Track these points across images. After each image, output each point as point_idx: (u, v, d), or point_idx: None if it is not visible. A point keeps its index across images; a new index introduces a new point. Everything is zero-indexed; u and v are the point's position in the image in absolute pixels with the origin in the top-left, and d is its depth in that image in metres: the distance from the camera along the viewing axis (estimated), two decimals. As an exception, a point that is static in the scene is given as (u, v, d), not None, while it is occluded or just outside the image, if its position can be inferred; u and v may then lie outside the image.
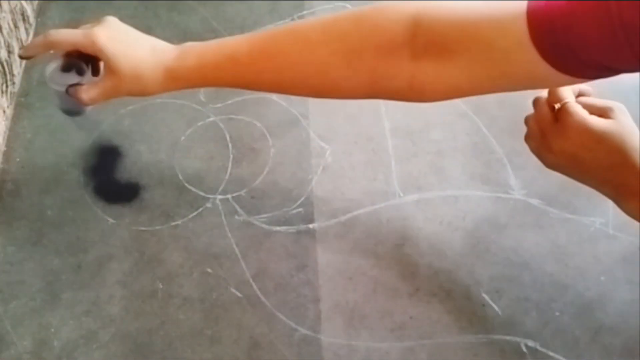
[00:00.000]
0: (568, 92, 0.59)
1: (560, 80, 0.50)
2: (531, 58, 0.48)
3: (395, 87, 0.57)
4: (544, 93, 0.61)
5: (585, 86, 0.59)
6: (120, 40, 0.62)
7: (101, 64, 0.64)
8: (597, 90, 0.85)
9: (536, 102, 0.61)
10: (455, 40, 0.52)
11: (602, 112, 0.59)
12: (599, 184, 0.61)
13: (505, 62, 0.51)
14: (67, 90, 0.64)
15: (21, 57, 0.66)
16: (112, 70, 0.62)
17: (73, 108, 0.68)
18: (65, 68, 0.64)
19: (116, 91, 0.63)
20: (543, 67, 0.49)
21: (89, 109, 0.67)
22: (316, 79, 0.60)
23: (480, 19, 0.51)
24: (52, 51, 0.63)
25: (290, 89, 0.64)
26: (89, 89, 0.63)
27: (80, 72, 0.64)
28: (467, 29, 0.52)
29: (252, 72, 0.61)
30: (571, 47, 0.46)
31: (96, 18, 0.63)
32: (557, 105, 0.59)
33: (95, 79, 0.64)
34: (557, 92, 0.59)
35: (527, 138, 0.64)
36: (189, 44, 0.64)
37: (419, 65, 0.55)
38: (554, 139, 0.60)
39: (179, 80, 0.63)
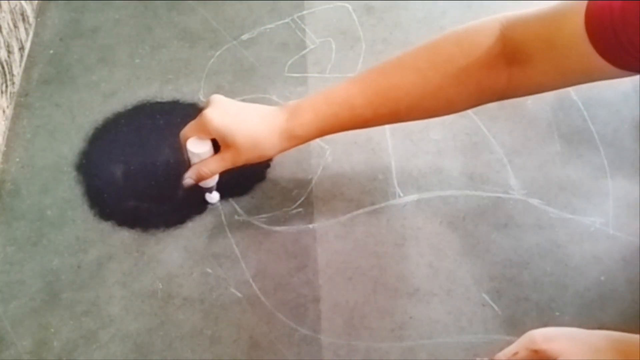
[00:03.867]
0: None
1: (615, 74, 0.54)
2: (586, 52, 0.54)
3: (498, 91, 0.64)
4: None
5: None
6: (231, 115, 0.66)
7: None
8: (596, 91, 0.86)
9: None
10: (529, 44, 0.59)
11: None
12: None
13: (565, 58, 0.56)
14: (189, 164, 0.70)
15: (187, 181, 0.70)
16: (228, 144, 0.66)
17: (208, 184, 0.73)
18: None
19: (235, 162, 0.68)
20: (599, 62, 0.53)
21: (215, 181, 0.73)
22: (431, 102, 0.65)
23: (545, 21, 0.58)
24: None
25: (406, 117, 0.68)
26: (208, 162, 0.68)
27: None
28: (536, 32, 0.59)
29: (370, 111, 0.66)
30: (624, 44, 0.50)
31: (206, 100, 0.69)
32: None
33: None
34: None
35: None
36: (292, 103, 0.68)
37: (511, 70, 0.61)
38: None
39: (296, 139, 0.68)
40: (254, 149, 0.67)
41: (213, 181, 0.73)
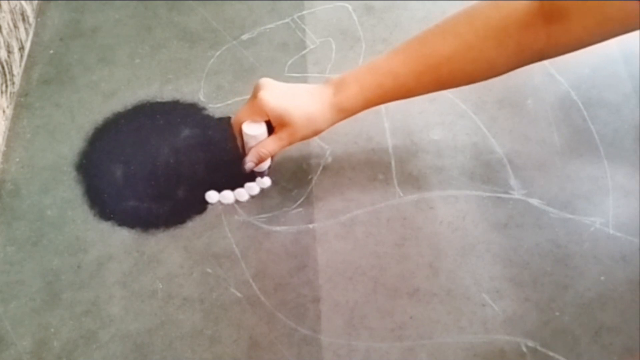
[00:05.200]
0: None
1: None
2: None
3: (537, 50, 0.65)
4: None
5: None
6: (284, 95, 0.69)
7: None
8: (596, 91, 0.86)
9: None
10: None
11: None
12: None
13: (603, 6, 0.59)
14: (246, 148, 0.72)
15: (249, 165, 0.72)
16: (285, 123, 0.68)
17: (260, 169, 0.75)
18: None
19: (292, 140, 0.70)
20: (636, 7, 0.56)
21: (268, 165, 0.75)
22: (472, 65, 0.67)
23: None
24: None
25: (449, 83, 0.70)
26: (266, 143, 0.70)
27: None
28: None
29: (413, 79, 0.68)
30: None
31: (252, 85, 0.71)
32: None
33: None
34: None
35: None
36: (336, 77, 0.70)
37: (550, 28, 0.63)
38: None
39: (345, 111, 0.70)
40: (309, 125, 0.69)
41: (266, 164, 0.75)
